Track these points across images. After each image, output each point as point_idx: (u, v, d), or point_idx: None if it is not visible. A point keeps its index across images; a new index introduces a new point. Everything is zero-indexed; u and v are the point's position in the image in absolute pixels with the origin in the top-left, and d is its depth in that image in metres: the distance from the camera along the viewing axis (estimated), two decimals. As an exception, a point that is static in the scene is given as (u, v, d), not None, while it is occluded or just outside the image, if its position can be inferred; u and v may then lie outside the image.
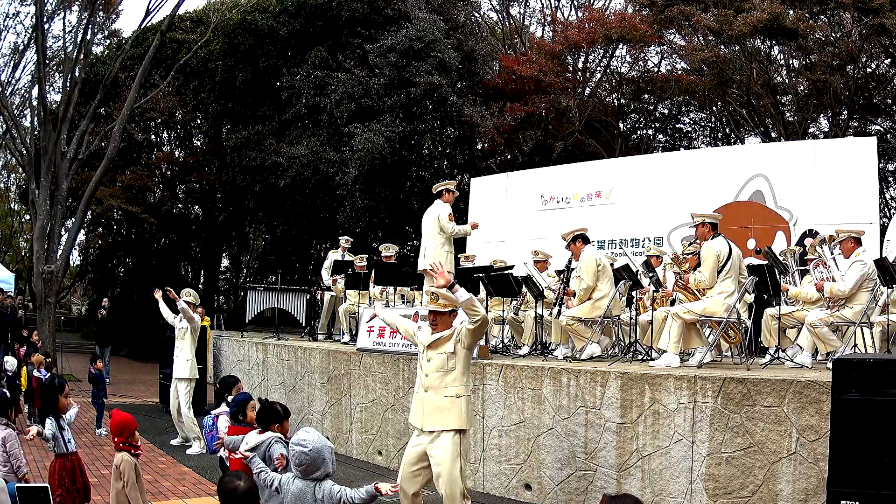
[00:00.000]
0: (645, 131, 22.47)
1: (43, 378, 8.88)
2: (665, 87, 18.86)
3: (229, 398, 5.06)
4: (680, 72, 18.68)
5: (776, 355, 6.33)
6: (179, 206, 24.90)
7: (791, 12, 14.71)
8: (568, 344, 7.29)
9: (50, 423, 4.50)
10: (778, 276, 6.72)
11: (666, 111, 21.23)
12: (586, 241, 7.29)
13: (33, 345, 11.48)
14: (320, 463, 3.21)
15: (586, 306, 7.01)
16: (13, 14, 19.06)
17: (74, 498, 4.36)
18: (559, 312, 7.30)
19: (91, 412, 9.57)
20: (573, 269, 7.37)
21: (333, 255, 11.25)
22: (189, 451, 8.13)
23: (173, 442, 8.54)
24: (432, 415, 4.68)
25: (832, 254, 6.43)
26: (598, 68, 20.00)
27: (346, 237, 11.51)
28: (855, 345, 6.00)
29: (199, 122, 23.54)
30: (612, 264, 7.74)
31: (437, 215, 7.91)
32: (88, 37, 17.63)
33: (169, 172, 24.10)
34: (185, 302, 8.48)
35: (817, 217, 9.85)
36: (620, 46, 18.47)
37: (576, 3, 22.08)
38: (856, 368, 3.63)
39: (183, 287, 9.11)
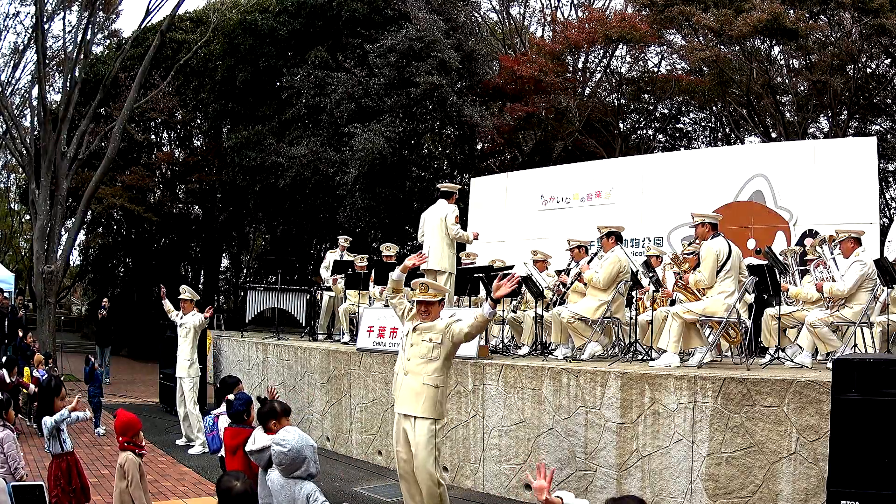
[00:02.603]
0: (645, 131, 22.49)
1: (40, 378, 8.88)
2: (665, 87, 18.87)
3: (231, 397, 5.05)
4: (680, 72, 18.68)
5: (776, 355, 6.33)
6: (179, 206, 24.90)
7: (791, 12, 14.71)
8: (568, 344, 7.29)
9: (59, 416, 4.49)
10: (778, 276, 6.72)
11: (666, 111, 21.24)
12: (619, 240, 7.32)
13: (28, 347, 11.43)
14: (301, 462, 3.23)
15: (591, 307, 7.00)
16: (13, 14, 19.08)
17: (70, 498, 4.35)
18: (555, 303, 7.32)
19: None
20: (595, 256, 7.41)
21: (332, 256, 11.24)
22: (190, 451, 8.14)
23: (178, 442, 8.54)
24: (409, 398, 4.83)
25: (832, 254, 6.43)
26: (598, 68, 20.01)
27: (345, 237, 11.50)
28: (855, 345, 6.00)
29: (199, 122, 23.55)
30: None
31: (444, 216, 7.89)
32: (88, 37, 17.64)
33: (169, 172, 24.10)
34: (182, 299, 8.56)
35: (817, 217, 9.85)
36: (620, 46, 18.48)
37: (576, 3, 22.11)
38: (856, 368, 3.63)
39: (183, 286, 9.13)
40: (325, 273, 11.25)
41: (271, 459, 3.66)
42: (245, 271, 28.51)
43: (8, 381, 8.80)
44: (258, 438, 4.04)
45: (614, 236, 7.26)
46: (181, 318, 8.69)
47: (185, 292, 8.75)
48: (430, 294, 4.87)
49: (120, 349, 20.24)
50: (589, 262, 7.41)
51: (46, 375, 8.64)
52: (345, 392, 8.25)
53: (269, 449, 3.90)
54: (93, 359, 9.58)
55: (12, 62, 19.37)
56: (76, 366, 15.17)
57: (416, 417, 4.76)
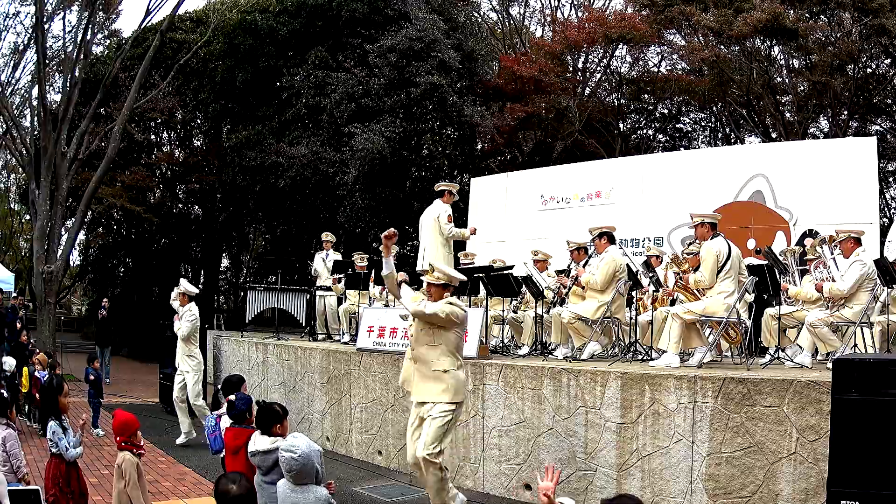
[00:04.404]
0: (645, 131, 22.48)
1: (41, 379, 8.88)
2: (665, 87, 18.86)
3: (232, 398, 5.04)
4: (680, 72, 18.68)
5: (776, 355, 6.33)
6: (179, 206, 24.90)
7: (791, 12, 14.72)
8: (568, 344, 7.29)
9: (54, 425, 4.48)
10: (778, 276, 6.72)
11: (666, 111, 21.23)
12: (612, 239, 7.31)
13: (24, 345, 11.40)
14: (310, 468, 3.24)
15: (592, 308, 7.00)
16: (13, 14, 19.09)
17: (68, 499, 4.35)
18: (556, 304, 7.33)
19: (88, 412, 9.55)
20: (591, 258, 7.40)
21: (319, 256, 11.28)
22: (178, 441, 8.23)
23: (178, 441, 8.54)
24: (425, 386, 4.99)
25: (832, 254, 6.43)
26: (598, 68, 20.00)
27: (327, 232, 11.43)
28: (855, 345, 6.00)
29: (199, 122, 23.55)
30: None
31: (436, 215, 7.92)
32: (88, 37, 17.63)
33: (169, 172, 24.10)
34: (178, 292, 8.62)
35: (817, 217, 9.84)
36: (620, 46, 18.48)
37: (576, 3, 22.11)
38: (856, 368, 3.63)
39: (181, 278, 9.17)
40: (313, 273, 11.28)
41: (276, 462, 3.66)
42: (245, 271, 28.50)
43: (8, 371, 8.83)
44: (258, 441, 4.03)
45: (606, 236, 7.26)
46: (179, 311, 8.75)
47: (181, 285, 8.81)
48: (434, 277, 5.17)
49: (120, 349, 20.23)
50: (584, 265, 7.41)
51: (48, 375, 8.65)
52: (345, 392, 8.25)
53: (275, 452, 3.89)
54: (94, 366, 9.54)
55: (12, 62, 19.40)
56: (76, 366, 15.17)
57: (434, 403, 4.90)
